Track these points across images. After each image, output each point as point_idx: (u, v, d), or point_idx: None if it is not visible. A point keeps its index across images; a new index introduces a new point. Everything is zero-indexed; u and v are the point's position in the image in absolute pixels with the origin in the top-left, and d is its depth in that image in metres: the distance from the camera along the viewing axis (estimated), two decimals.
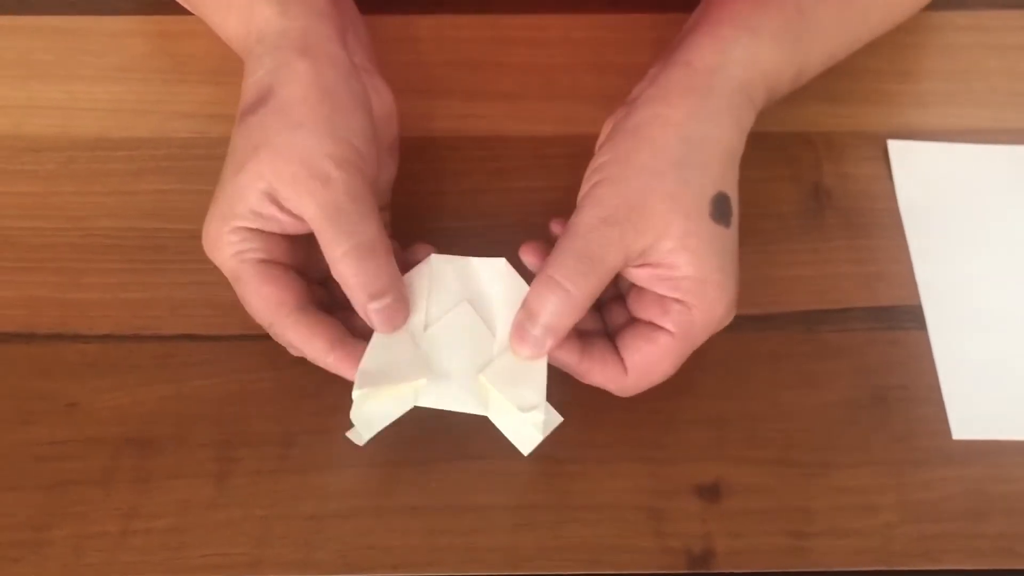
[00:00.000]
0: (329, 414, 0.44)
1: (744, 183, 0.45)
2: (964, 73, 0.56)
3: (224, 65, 0.52)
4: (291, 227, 0.42)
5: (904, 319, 0.47)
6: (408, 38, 0.56)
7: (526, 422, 0.41)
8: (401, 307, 0.42)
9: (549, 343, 0.41)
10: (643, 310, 0.42)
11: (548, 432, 0.41)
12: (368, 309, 0.41)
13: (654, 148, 0.42)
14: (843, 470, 0.43)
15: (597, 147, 0.45)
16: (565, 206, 0.50)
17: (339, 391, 0.44)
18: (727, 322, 0.43)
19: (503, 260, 0.44)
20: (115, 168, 0.51)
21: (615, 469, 0.43)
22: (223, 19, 0.48)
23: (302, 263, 0.44)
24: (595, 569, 0.41)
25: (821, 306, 0.48)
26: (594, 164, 0.43)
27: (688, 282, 0.41)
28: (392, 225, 0.47)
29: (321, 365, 0.42)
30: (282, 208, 0.41)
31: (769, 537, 0.42)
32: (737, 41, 0.44)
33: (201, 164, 0.51)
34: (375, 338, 0.42)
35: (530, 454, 0.42)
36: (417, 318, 0.43)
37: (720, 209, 0.42)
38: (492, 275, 0.44)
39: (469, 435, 0.44)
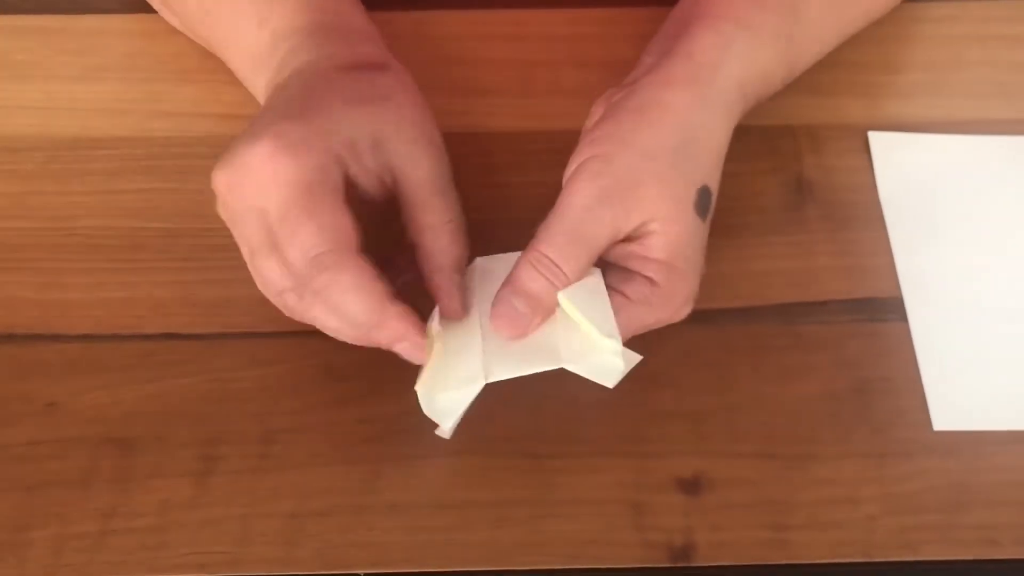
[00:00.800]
0: (309, 412, 0.44)
1: (726, 176, 0.45)
2: (945, 64, 0.56)
3: (203, 64, 0.52)
4: (374, 187, 0.41)
5: (885, 311, 0.47)
6: (388, 35, 0.56)
7: (606, 354, 0.41)
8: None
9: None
10: (607, 274, 0.42)
11: (630, 367, 0.41)
12: (453, 279, 0.42)
13: (653, 131, 0.42)
14: (824, 462, 0.43)
15: (589, 126, 0.45)
16: (549, 201, 0.49)
17: (319, 389, 0.45)
18: (682, 314, 0.43)
19: None
20: (95, 167, 0.51)
21: (596, 464, 0.43)
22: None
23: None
24: (576, 563, 0.41)
25: (802, 298, 0.48)
26: (589, 136, 0.43)
27: (656, 265, 0.41)
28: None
29: (366, 323, 0.40)
30: (379, 161, 0.41)
31: (750, 530, 0.42)
32: (738, 38, 0.45)
33: (181, 163, 0.51)
34: (436, 344, 0.41)
35: (499, 452, 0.43)
36: (472, 317, 0.43)
37: (703, 202, 0.42)
38: None
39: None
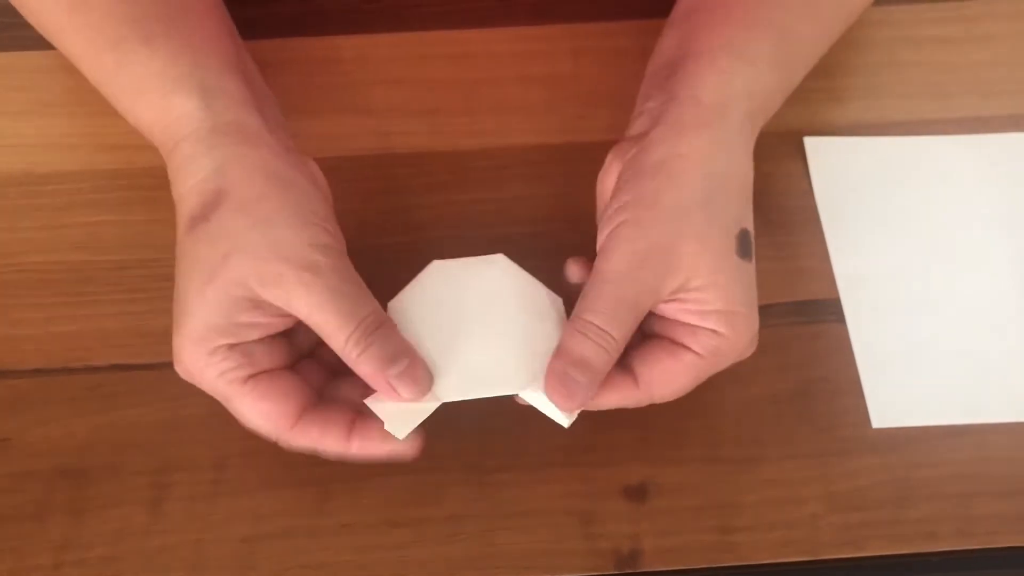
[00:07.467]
0: (260, 437, 0.44)
1: None
2: (879, 67, 0.57)
3: None
4: (276, 326, 0.41)
5: (824, 312, 0.48)
6: (330, 59, 0.57)
7: None
8: (420, 367, 0.41)
9: (594, 389, 0.40)
10: (669, 330, 0.42)
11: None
12: (389, 376, 0.40)
13: (678, 187, 0.41)
14: (769, 464, 0.44)
15: (607, 183, 0.44)
16: (494, 218, 0.51)
17: None
18: (749, 352, 0.43)
19: (501, 255, 0.44)
20: (43, 203, 0.52)
21: (544, 475, 0.44)
22: (131, 104, 0.45)
23: (287, 351, 0.42)
24: (526, 575, 0.42)
25: None
26: (615, 204, 0.42)
27: (716, 315, 0.41)
28: None
29: (343, 459, 0.41)
30: (264, 311, 0.40)
31: (697, 534, 0.43)
32: (738, 73, 0.44)
33: (128, 195, 0.52)
34: None
35: (447, 468, 0.43)
36: (426, 322, 0.42)
37: (744, 245, 0.42)
38: (493, 270, 0.44)
39: None
